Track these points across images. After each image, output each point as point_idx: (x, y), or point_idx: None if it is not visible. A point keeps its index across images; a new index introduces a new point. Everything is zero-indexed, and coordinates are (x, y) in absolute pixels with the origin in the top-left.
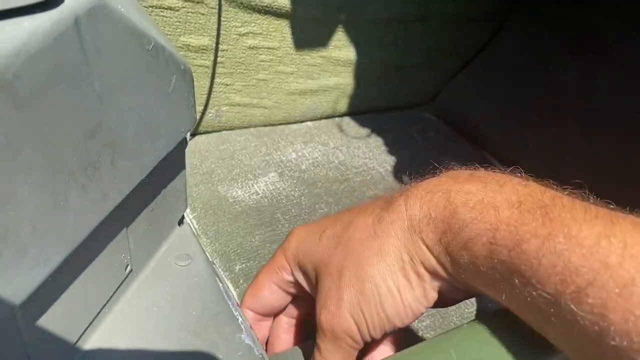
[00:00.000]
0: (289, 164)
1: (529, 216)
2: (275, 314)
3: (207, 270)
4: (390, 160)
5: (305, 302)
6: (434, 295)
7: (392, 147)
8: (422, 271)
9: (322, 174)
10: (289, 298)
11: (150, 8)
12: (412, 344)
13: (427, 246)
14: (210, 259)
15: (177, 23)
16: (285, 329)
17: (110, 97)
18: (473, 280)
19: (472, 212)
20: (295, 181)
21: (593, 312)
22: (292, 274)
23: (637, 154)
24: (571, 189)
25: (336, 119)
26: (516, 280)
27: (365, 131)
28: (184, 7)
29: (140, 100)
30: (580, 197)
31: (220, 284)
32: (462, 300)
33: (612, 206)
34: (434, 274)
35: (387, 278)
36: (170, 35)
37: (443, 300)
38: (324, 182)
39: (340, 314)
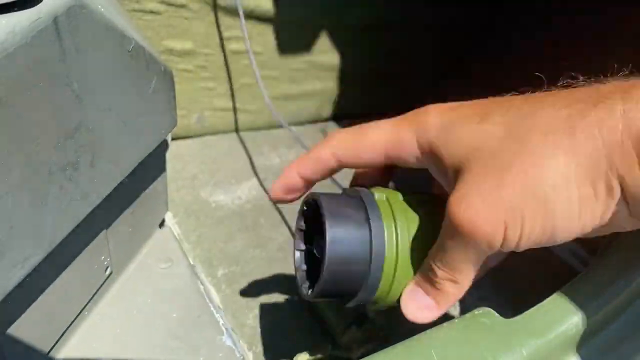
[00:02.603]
0: (273, 169)
1: None
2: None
3: (188, 272)
4: None
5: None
6: (605, 219)
7: None
8: (616, 185)
9: None
10: (376, 172)
11: (133, 12)
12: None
13: None
14: (193, 264)
15: (160, 27)
16: None
17: (90, 97)
18: None
19: None
20: None
21: None
22: (417, 154)
23: None
24: None
25: (320, 123)
26: None
27: None
28: (166, 11)
29: (120, 101)
30: None
31: (202, 286)
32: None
33: None
34: (626, 193)
35: (571, 183)
36: (153, 39)
37: (596, 229)
38: None
39: (490, 214)
